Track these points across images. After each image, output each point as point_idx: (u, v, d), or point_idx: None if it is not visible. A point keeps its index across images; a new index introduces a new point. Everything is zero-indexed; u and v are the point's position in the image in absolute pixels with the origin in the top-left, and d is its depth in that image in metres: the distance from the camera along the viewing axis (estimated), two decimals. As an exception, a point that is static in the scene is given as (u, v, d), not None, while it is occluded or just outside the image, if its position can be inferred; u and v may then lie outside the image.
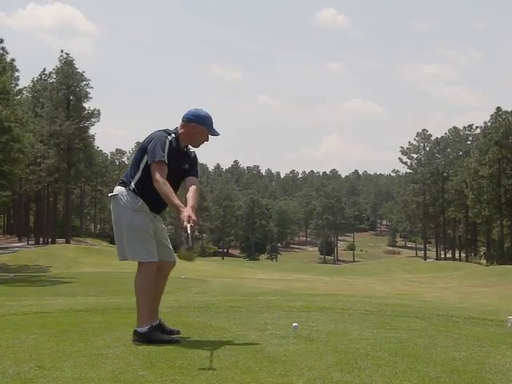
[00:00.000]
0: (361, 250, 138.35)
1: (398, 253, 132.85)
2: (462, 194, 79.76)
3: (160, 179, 4.20)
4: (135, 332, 4.20)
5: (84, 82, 66.83)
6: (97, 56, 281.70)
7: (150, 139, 4.36)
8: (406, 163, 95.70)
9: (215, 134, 4.53)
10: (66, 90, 65.67)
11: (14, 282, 23.54)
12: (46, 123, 63.52)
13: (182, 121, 4.48)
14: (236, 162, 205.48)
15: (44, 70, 72.28)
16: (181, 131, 4.46)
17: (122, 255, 4.38)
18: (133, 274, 4.41)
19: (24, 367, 3.36)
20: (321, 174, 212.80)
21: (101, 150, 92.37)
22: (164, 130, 4.46)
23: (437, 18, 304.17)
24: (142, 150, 4.38)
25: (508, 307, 10.89)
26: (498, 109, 72.08)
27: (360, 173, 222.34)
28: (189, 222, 4.05)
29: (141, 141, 4.56)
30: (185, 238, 4.05)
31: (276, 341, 4.19)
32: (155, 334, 4.20)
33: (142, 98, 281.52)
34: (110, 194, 4.44)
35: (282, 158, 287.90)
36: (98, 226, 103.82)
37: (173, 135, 4.43)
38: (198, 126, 4.42)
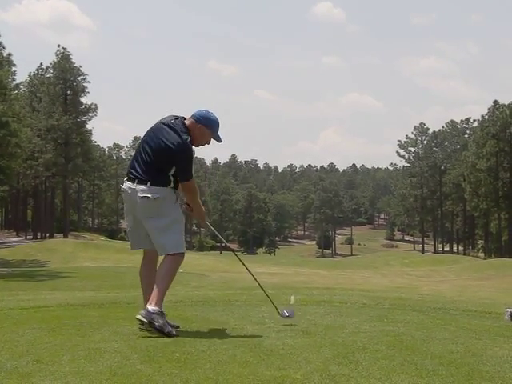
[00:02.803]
0: (359, 244, 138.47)
1: (396, 246, 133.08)
2: (460, 188, 79.89)
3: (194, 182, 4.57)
4: (146, 310, 4.15)
5: (81, 77, 66.77)
6: (93, 50, 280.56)
7: (181, 151, 4.32)
8: (403, 157, 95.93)
9: (218, 140, 4.63)
10: (63, 84, 65.55)
11: (12, 277, 23.57)
12: (43, 118, 63.43)
13: (192, 118, 4.52)
14: (234, 156, 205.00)
15: (41, 64, 72.17)
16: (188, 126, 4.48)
17: (163, 250, 4.37)
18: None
19: (22, 361, 3.35)
20: (318, 167, 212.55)
21: (98, 145, 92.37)
22: (180, 130, 4.40)
23: (433, 11, 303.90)
24: (170, 158, 4.33)
25: (505, 300, 10.94)
26: (495, 102, 72.20)
27: (358, 166, 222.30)
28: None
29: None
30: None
31: (274, 334, 4.20)
32: (163, 319, 4.16)
33: (139, 92, 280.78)
34: (150, 195, 4.29)
35: (279, 152, 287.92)
36: (96, 220, 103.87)
37: (188, 137, 4.39)
38: (204, 128, 4.50)
